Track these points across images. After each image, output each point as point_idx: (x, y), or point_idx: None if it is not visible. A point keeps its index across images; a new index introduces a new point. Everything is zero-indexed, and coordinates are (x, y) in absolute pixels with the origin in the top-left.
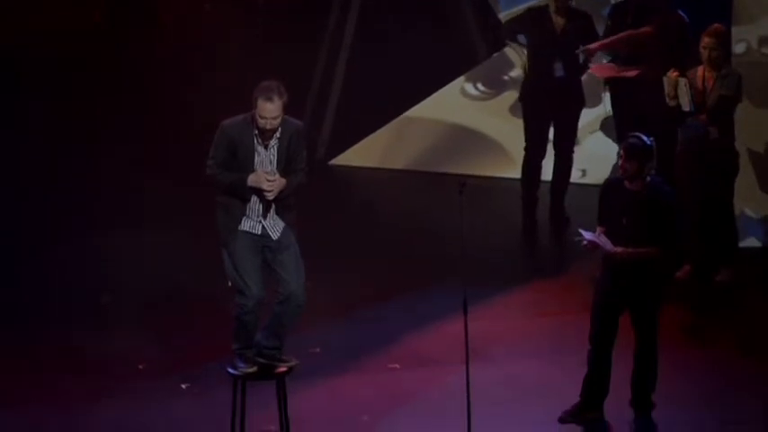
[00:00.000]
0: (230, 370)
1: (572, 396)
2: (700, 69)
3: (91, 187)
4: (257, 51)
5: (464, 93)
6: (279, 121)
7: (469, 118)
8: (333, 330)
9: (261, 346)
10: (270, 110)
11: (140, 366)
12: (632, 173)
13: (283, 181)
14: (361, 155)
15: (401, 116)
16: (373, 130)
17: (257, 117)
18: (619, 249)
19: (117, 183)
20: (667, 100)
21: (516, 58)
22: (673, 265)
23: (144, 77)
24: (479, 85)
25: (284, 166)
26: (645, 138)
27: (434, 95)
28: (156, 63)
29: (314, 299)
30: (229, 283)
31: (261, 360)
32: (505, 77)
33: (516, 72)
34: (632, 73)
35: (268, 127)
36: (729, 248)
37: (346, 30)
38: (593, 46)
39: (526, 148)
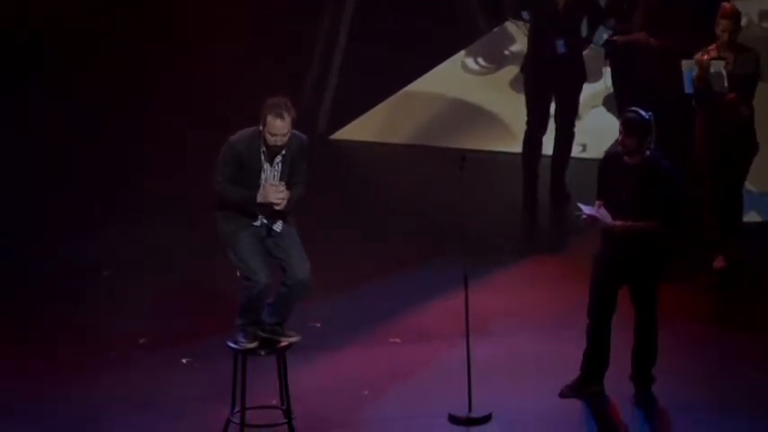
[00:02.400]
0: (231, 344)
1: (572, 370)
2: (713, 50)
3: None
4: (258, 30)
5: (465, 67)
6: (288, 137)
7: (470, 92)
8: (333, 305)
9: (263, 322)
10: (280, 127)
11: (141, 341)
12: (632, 148)
13: (288, 193)
14: (362, 129)
15: (402, 90)
16: (374, 105)
17: (267, 134)
18: (618, 223)
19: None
20: (696, 84)
21: (517, 32)
22: (674, 240)
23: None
24: (480, 60)
25: (287, 180)
26: (643, 112)
27: (435, 70)
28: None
29: (314, 273)
30: (238, 273)
31: (262, 334)
32: (506, 52)
33: (517, 47)
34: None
35: (279, 143)
36: (732, 228)
37: (347, 3)
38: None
39: (528, 123)
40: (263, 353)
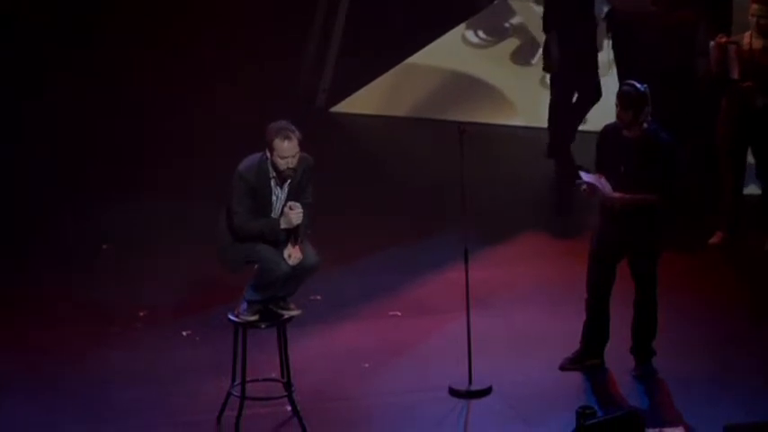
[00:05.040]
0: (231, 317)
1: (572, 343)
2: (746, 36)
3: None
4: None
5: (465, 40)
6: (297, 157)
7: (470, 65)
8: (334, 278)
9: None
10: (289, 148)
11: (141, 314)
12: (628, 121)
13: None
14: (362, 102)
15: (402, 63)
16: (374, 78)
17: (276, 159)
18: (617, 195)
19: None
20: (712, 66)
21: (517, 5)
22: (672, 213)
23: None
24: (480, 33)
25: (295, 200)
26: (638, 85)
27: (435, 43)
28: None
29: (315, 247)
30: (256, 266)
31: (270, 306)
32: (506, 25)
33: (517, 19)
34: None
35: (290, 165)
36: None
37: None
38: None
39: (555, 94)
40: (263, 326)
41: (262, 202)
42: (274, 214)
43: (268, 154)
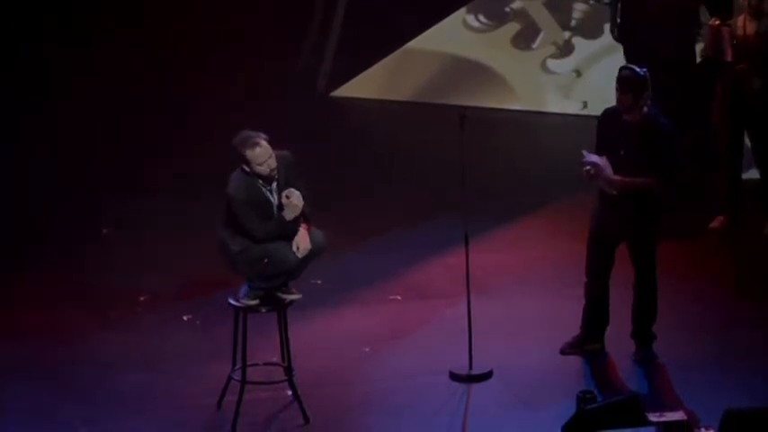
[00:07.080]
0: (232, 301)
1: (573, 328)
2: (740, 19)
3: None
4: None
5: (466, 24)
6: (274, 158)
7: (471, 49)
8: (334, 262)
9: None
10: (262, 153)
11: (141, 299)
12: (628, 106)
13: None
14: (363, 86)
15: (403, 48)
16: (375, 62)
17: (255, 168)
18: (617, 178)
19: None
20: (707, 50)
21: None
22: (672, 197)
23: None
24: (481, 17)
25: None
26: (638, 69)
27: (436, 27)
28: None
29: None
30: (265, 260)
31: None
32: (507, 9)
33: (518, 4)
34: None
35: (272, 167)
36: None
37: None
38: None
39: None
40: (264, 310)
41: (263, 210)
42: (276, 215)
43: (246, 168)
